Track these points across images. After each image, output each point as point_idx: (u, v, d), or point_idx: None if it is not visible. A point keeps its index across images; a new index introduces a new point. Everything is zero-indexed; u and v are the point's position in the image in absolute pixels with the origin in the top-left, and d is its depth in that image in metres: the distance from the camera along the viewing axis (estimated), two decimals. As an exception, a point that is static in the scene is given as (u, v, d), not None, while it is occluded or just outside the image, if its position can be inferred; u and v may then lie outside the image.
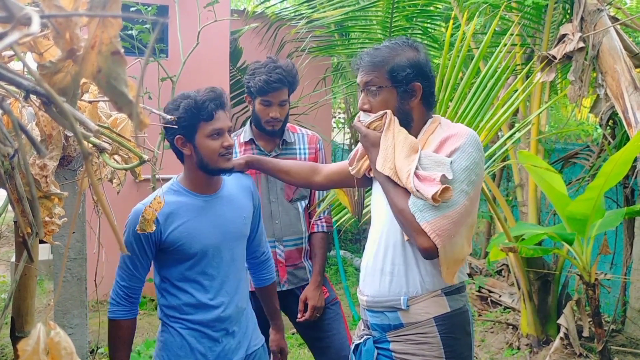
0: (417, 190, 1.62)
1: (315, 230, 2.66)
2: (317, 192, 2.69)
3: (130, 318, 1.91)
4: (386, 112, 1.74)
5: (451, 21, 3.15)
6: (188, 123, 1.83)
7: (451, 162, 1.64)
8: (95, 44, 0.59)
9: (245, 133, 2.62)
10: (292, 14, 5.68)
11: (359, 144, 1.92)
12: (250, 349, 2.04)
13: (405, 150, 1.69)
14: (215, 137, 1.84)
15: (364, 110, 1.80)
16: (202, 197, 1.93)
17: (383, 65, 1.75)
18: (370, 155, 1.81)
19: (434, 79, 1.84)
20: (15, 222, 1.33)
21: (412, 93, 1.75)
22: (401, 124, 1.75)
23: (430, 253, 1.65)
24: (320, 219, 2.67)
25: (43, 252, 5.55)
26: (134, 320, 1.93)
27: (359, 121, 1.82)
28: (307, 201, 2.67)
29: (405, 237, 1.74)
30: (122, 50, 0.60)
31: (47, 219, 1.01)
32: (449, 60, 2.92)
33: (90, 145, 1.23)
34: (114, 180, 2.25)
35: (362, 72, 1.79)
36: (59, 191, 0.99)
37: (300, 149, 2.63)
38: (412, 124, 1.78)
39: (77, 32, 0.62)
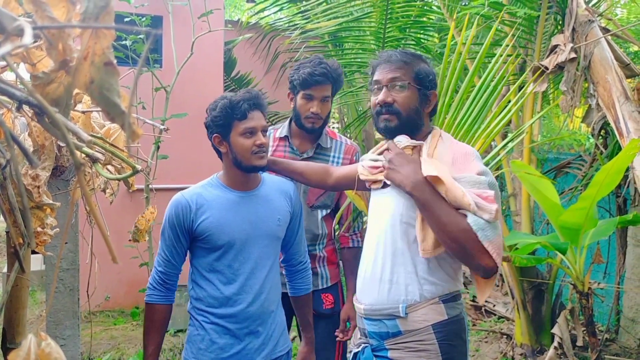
0: (479, 208, 1.62)
1: (350, 245, 2.58)
2: (352, 205, 2.60)
3: (165, 303, 2.02)
4: (422, 143, 1.80)
5: (451, 31, 3.17)
6: (223, 122, 1.93)
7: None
8: (88, 55, 0.60)
9: (283, 128, 2.56)
10: (286, 25, 5.69)
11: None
12: (275, 353, 2.05)
13: (447, 172, 1.70)
14: (248, 136, 1.92)
15: (387, 104, 1.81)
16: (238, 192, 2.01)
17: (411, 65, 1.82)
18: (402, 171, 1.76)
19: None
20: (7, 232, 1.32)
21: (428, 99, 1.84)
22: (410, 125, 1.82)
23: (491, 272, 1.66)
24: (356, 234, 2.60)
25: (35, 263, 5.52)
26: (169, 306, 2.03)
27: (393, 143, 1.83)
28: (328, 210, 2.56)
29: (437, 251, 1.73)
30: (115, 61, 0.60)
31: (39, 229, 1.00)
32: (448, 69, 2.93)
33: (83, 155, 1.23)
34: (107, 190, 2.25)
35: (388, 69, 1.83)
36: (51, 201, 0.98)
37: (334, 156, 2.53)
38: (418, 128, 1.84)
39: (69, 43, 0.62)
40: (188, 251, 2.04)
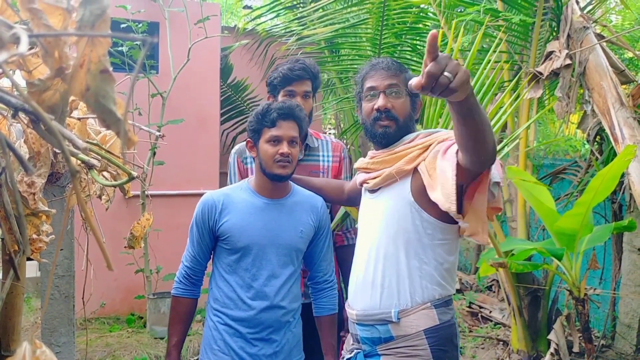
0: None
1: (345, 243, 2.54)
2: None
3: (190, 297, 2.10)
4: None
5: (440, 36, 3.18)
6: (255, 127, 2.01)
7: None
8: (84, 62, 0.60)
9: None
10: (283, 31, 5.70)
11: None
12: None
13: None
14: (273, 144, 1.96)
15: (386, 109, 1.83)
16: (264, 199, 2.06)
17: (402, 73, 1.87)
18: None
19: None
20: (2, 239, 1.32)
21: (416, 107, 1.89)
22: (403, 129, 1.85)
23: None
24: (349, 231, 2.56)
25: (31, 269, 5.50)
26: (193, 300, 2.12)
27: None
28: None
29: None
30: (111, 69, 0.60)
31: (34, 236, 1.00)
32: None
33: (79, 162, 1.22)
34: (103, 197, 2.24)
35: (384, 76, 1.86)
36: (46, 208, 0.98)
37: (323, 155, 2.53)
38: (409, 133, 1.87)
39: (65, 51, 0.62)
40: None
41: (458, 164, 1.59)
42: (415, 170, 1.77)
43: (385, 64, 1.87)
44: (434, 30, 1.23)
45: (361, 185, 1.97)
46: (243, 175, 2.45)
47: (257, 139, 2.01)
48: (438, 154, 1.69)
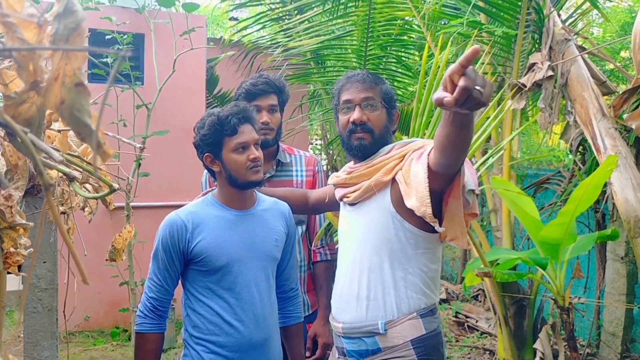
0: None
1: (318, 259, 2.47)
2: (317, 219, 2.53)
3: (158, 332, 1.90)
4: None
5: (425, 50, 3.21)
6: (213, 139, 1.86)
7: None
8: (58, 75, 0.60)
9: None
10: (269, 43, 5.72)
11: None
12: None
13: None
14: (241, 151, 1.85)
15: (362, 122, 1.84)
16: (234, 211, 1.93)
17: (378, 85, 1.87)
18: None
19: None
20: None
21: (393, 118, 1.90)
22: (380, 142, 1.86)
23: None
24: (323, 247, 2.49)
25: (13, 282, 5.43)
26: (161, 334, 1.91)
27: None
28: (303, 227, 2.48)
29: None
30: (86, 82, 0.61)
31: (12, 249, 0.99)
32: (425, 87, 2.97)
33: (60, 174, 1.22)
34: (86, 209, 2.23)
35: (360, 89, 1.86)
36: (24, 221, 0.97)
37: (297, 171, 2.47)
38: (386, 145, 1.88)
39: (40, 64, 0.62)
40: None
41: (429, 167, 1.61)
42: (393, 180, 1.78)
43: (360, 77, 1.88)
44: (476, 46, 1.20)
45: (341, 200, 1.97)
46: None
47: (218, 151, 1.87)
48: (412, 161, 1.70)
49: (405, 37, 4.81)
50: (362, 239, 1.81)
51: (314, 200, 2.19)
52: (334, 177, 1.98)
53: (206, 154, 1.90)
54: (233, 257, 1.87)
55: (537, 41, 3.94)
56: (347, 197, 1.89)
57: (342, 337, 1.87)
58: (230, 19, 8.41)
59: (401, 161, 1.77)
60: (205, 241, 1.85)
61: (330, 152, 7.32)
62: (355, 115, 1.83)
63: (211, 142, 1.87)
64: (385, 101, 1.86)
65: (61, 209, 2.04)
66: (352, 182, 1.88)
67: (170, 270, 1.88)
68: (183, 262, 1.88)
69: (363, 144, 1.85)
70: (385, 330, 1.76)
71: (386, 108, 1.87)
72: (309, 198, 2.22)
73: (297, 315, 2.14)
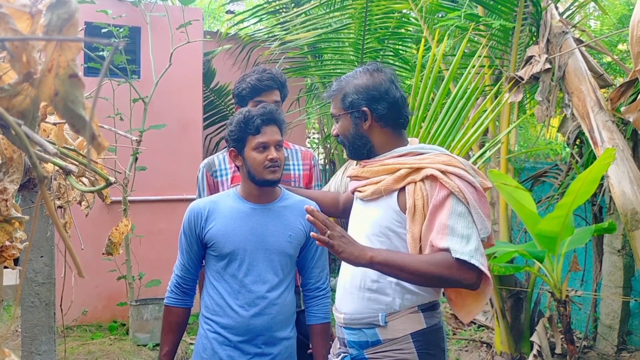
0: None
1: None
2: None
3: (181, 307, 2.10)
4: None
5: (422, 43, 3.20)
6: (238, 136, 1.98)
7: None
8: (52, 67, 0.59)
9: None
10: (266, 36, 5.70)
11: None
12: None
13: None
14: (261, 150, 1.96)
15: (334, 135, 1.93)
16: (250, 204, 2.05)
17: (337, 94, 1.89)
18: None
19: (395, 99, 1.84)
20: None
21: (362, 117, 1.84)
22: (358, 148, 1.88)
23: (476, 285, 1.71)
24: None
25: (10, 277, 5.43)
26: (185, 310, 2.12)
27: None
28: None
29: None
30: (80, 74, 0.60)
31: (7, 243, 0.99)
32: (421, 81, 2.96)
33: (56, 167, 1.21)
34: (83, 203, 2.22)
35: (331, 104, 1.95)
36: (19, 215, 0.97)
37: (293, 165, 2.49)
38: (370, 146, 1.86)
39: (34, 56, 0.61)
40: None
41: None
42: (402, 187, 1.78)
43: (326, 93, 1.96)
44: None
45: (353, 192, 1.99)
46: (212, 189, 2.39)
47: (241, 148, 1.99)
48: (432, 211, 1.70)
49: (402, 30, 4.80)
50: (368, 232, 1.82)
51: (344, 203, 2.20)
52: (350, 170, 2.04)
53: (231, 149, 2.03)
54: (239, 246, 1.98)
55: (535, 34, 3.94)
56: (359, 192, 1.90)
57: (344, 327, 1.89)
58: (226, 12, 8.38)
59: (414, 173, 1.75)
60: (215, 228, 1.99)
61: (328, 146, 7.32)
62: (333, 132, 1.95)
63: (236, 139, 1.99)
64: (345, 108, 1.87)
65: (58, 203, 2.04)
66: (365, 176, 1.88)
67: (191, 252, 2.06)
68: (202, 246, 2.05)
69: (350, 152, 1.92)
70: (385, 322, 1.77)
71: (349, 113, 1.86)
72: (339, 201, 2.24)
73: (320, 315, 2.15)
